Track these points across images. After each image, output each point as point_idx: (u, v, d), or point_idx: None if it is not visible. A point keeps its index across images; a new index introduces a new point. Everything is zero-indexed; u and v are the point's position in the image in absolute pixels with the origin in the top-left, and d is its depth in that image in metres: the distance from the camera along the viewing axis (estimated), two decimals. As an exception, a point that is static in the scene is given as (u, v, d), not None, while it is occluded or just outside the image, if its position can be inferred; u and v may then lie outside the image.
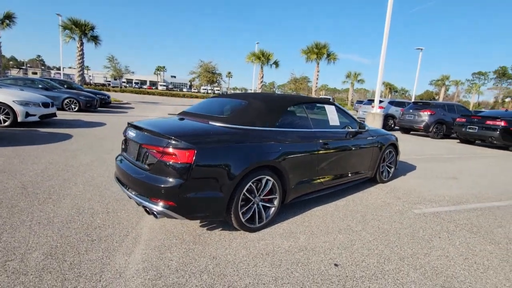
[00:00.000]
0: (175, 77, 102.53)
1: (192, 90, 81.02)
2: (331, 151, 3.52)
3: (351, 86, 45.57)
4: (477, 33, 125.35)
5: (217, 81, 35.45)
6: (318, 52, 22.29)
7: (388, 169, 4.79)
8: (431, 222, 3.33)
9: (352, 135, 3.90)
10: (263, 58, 21.79)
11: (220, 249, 2.52)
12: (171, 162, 2.40)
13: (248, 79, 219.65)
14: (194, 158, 2.39)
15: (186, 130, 2.73)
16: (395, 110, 14.11)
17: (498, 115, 9.48)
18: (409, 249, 2.70)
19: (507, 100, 50.82)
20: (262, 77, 22.83)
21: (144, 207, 2.54)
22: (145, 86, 76.34)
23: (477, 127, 9.55)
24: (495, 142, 9.16)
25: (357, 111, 32.71)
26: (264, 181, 2.85)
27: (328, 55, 22.68)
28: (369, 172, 4.36)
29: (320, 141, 3.40)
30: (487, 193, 4.56)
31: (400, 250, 2.67)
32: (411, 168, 5.98)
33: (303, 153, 3.17)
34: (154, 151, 2.50)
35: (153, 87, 72.85)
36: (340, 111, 3.95)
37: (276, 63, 22.69)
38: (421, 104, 12.36)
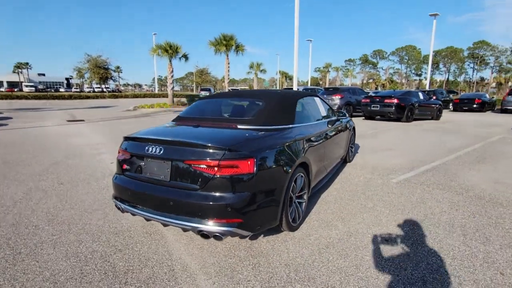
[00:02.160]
0: (44, 75, 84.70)
1: (73, 89, 68.52)
2: (330, 139, 3.78)
3: (255, 76, 47.89)
4: (348, 25, 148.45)
5: (112, 77, 31.24)
6: (227, 44, 22.41)
7: (351, 150, 5.45)
8: (411, 187, 4.04)
9: (334, 123, 4.27)
10: (171, 50, 20.38)
11: (284, 255, 2.44)
12: (232, 175, 2.14)
13: (141, 74, 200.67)
14: (254, 167, 2.20)
15: (234, 138, 2.45)
16: (309, 96, 15.76)
17: (391, 94, 11.97)
18: (419, 213, 3.23)
19: (370, 81, 64.00)
20: (172, 71, 21.41)
21: (200, 231, 2.19)
22: (2, 89, 60.27)
23: (378, 105, 11.79)
24: (392, 116, 11.56)
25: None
26: (299, 178, 2.85)
27: (237, 47, 23.12)
28: (344, 154, 4.88)
29: (322, 131, 3.60)
30: (421, 158, 5.78)
31: (414, 215, 3.17)
32: (356, 146, 6.95)
33: (316, 145, 3.31)
34: (204, 166, 2.17)
35: (16, 89, 58.06)
36: (322, 102, 4.24)
37: (185, 56, 21.62)
38: (332, 89, 14.27)
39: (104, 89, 44.71)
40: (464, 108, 18.16)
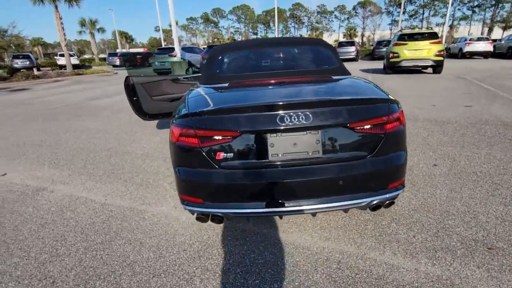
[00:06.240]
0: None
1: None
2: None
3: (92, 37, 38.32)
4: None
5: None
6: (53, -10, 16.51)
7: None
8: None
9: None
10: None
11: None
12: (397, 131, 1.85)
13: None
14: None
15: (376, 88, 2.15)
16: (189, 56, 14.57)
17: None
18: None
19: (215, 40, 65.32)
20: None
21: (374, 204, 1.85)
22: None
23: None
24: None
25: (112, 65, 29.24)
26: None
27: (71, -4, 17.47)
28: None
29: None
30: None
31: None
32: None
33: None
34: (370, 126, 1.77)
35: None
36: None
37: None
38: (188, 48, 13.67)
39: None
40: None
